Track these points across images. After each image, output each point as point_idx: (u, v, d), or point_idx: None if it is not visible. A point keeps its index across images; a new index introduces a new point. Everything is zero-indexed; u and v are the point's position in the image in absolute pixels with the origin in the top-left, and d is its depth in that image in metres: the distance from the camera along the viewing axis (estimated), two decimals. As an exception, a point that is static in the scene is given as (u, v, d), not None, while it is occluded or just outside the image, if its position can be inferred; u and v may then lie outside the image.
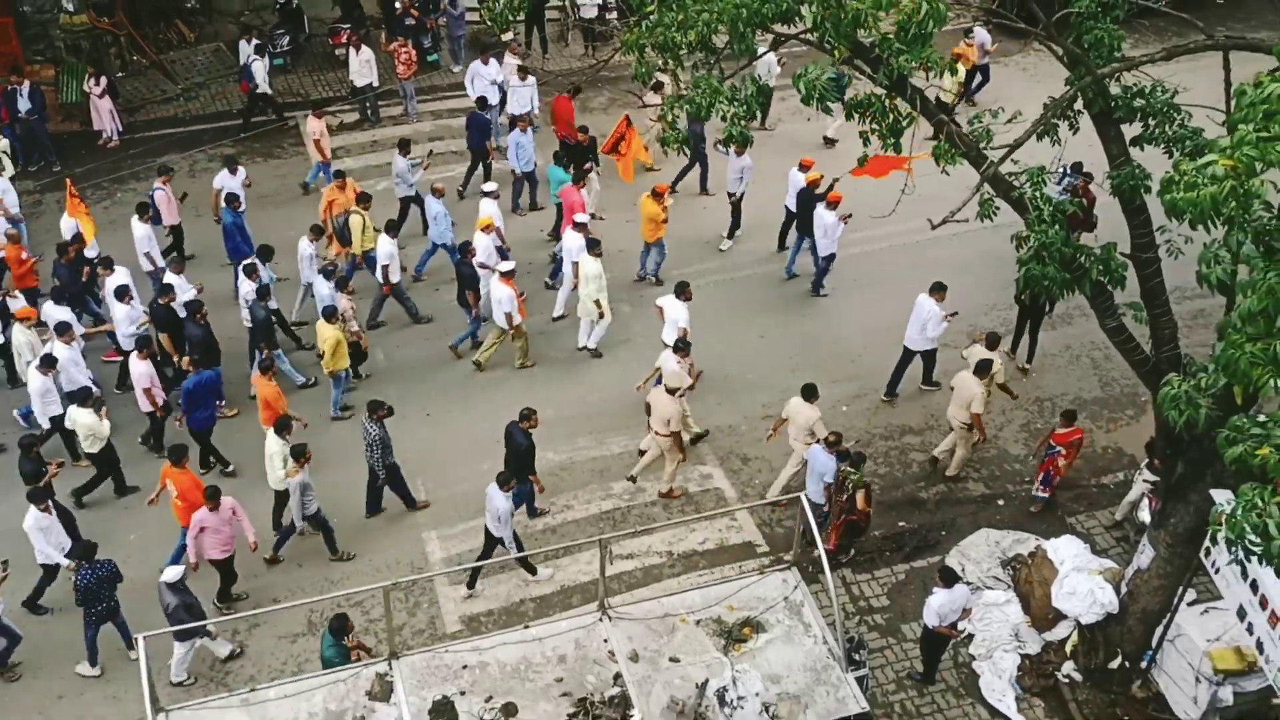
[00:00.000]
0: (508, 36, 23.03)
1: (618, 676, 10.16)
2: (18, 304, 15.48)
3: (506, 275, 15.83)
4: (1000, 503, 14.81)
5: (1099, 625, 12.56)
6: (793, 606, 10.88)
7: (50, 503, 12.74)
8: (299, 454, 13.10)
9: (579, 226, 16.75)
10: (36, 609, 13.11)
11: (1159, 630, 12.20)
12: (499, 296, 15.83)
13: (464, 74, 21.55)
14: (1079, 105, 11.27)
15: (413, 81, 22.05)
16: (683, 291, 15.61)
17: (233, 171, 17.85)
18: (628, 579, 13.69)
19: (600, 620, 10.64)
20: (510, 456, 13.78)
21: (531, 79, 20.72)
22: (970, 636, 12.97)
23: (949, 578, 12.01)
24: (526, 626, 10.89)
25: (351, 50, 21.58)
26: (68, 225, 16.73)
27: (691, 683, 10.13)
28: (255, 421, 14.70)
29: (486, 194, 17.58)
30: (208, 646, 12.68)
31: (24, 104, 19.76)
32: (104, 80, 20.70)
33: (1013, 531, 14.12)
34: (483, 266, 16.48)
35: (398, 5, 23.35)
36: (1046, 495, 14.41)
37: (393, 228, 16.95)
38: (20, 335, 14.95)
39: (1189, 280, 9.87)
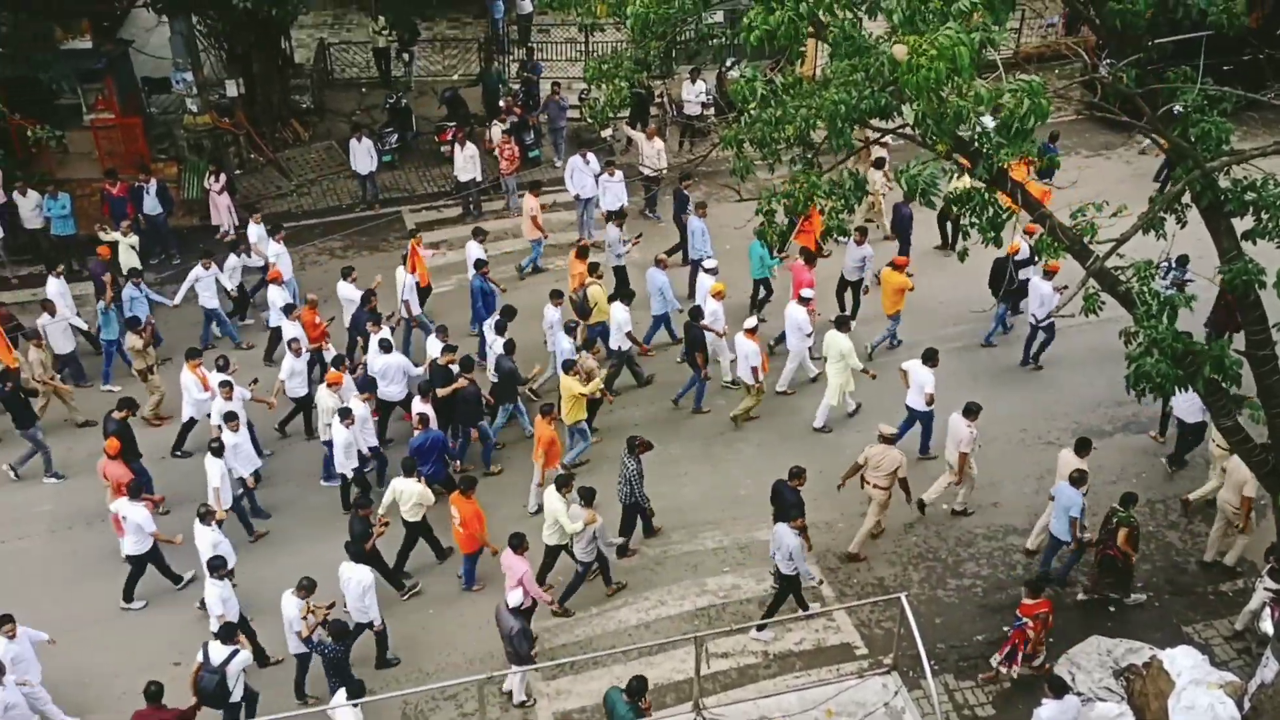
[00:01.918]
0: (607, 133, 23.62)
1: (711, 781, 9.90)
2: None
3: (750, 331, 16.50)
4: (1111, 609, 14.21)
5: (1220, 742, 11.87)
6: (894, 713, 10.53)
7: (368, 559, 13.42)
8: (589, 496, 13.74)
9: (804, 301, 17.28)
10: (385, 662, 13.56)
11: (1287, 749, 11.50)
12: (745, 352, 16.49)
13: (564, 169, 22.08)
14: (1186, 199, 11.04)
15: (514, 176, 22.61)
16: (931, 358, 15.88)
17: (480, 241, 18.86)
18: (723, 679, 13.37)
19: (694, 721, 10.43)
20: (776, 510, 14.09)
21: (619, 174, 21.11)
22: (1081, 750, 12.36)
23: (1059, 687, 11.50)
24: (619, 726, 10.71)
25: (456, 147, 22.25)
26: (404, 279, 17.88)
27: (787, 790, 9.83)
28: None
29: (707, 270, 18.09)
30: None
31: (150, 201, 20.74)
32: (223, 177, 21.65)
33: (1125, 640, 13.48)
34: (708, 329, 17.18)
35: (501, 104, 24.08)
36: (1009, 672, 13.02)
37: (626, 296, 17.70)
38: (328, 399, 15.62)
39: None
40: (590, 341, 16.75)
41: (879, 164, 20.13)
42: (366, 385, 15.84)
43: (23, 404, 16.03)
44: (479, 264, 18.28)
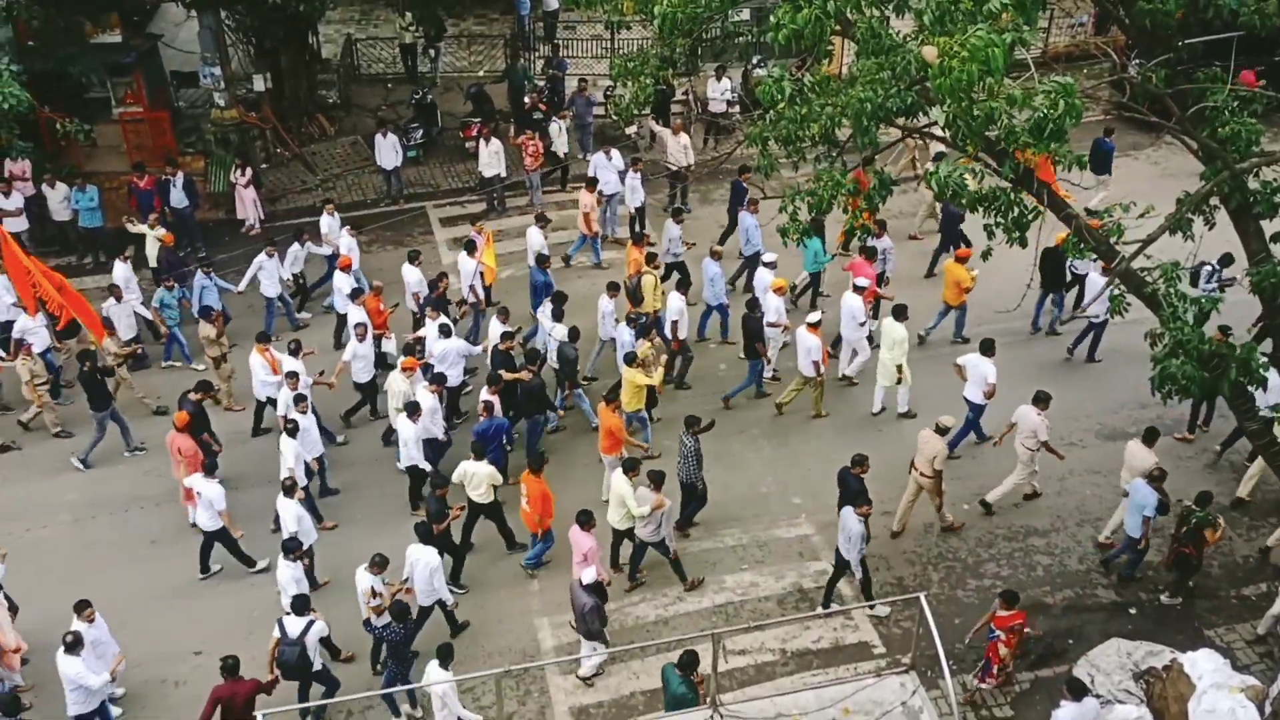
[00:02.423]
0: (631, 130, 23.64)
1: (728, 777, 9.91)
2: (390, 345, 17.48)
3: (813, 326, 16.73)
4: (1132, 611, 14.14)
5: (1242, 747, 11.79)
6: (911, 712, 10.51)
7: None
8: (659, 480, 13.83)
9: (858, 290, 17.43)
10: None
11: (1309, 755, 11.42)
12: (808, 346, 16.67)
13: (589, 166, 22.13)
14: (1214, 200, 10.98)
15: (539, 173, 22.66)
16: (989, 349, 15.95)
17: (542, 228, 19.15)
18: (740, 675, 13.40)
19: (711, 716, 10.42)
20: (842, 496, 14.22)
21: (640, 172, 21.22)
22: (1100, 752, 12.30)
23: (1077, 690, 11.44)
24: (636, 720, 10.75)
25: (481, 143, 22.32)
26: (468, 266, 18.31)
27: (804, 787, 9.83)
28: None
29: (767, 264, 18.21)
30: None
31: (177, 194, 20.90)
32: (249, 171, 21.80)
33: (1146, 643, 13.39)
34: (772, 325, 17.43)
35: (526, 100, 24.15)
36: (985, 687, 12.92)
37: (683, 286, 17.83)
38: (400, 383, 15.84)
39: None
40: (646, 329, 16.91)
41: (939, 159, 20.01)
42: (436, 376, 15.99)
43: (100, 385, 16.31)
44: (540, 257, 18.58)
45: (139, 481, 16.48)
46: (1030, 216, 10.80)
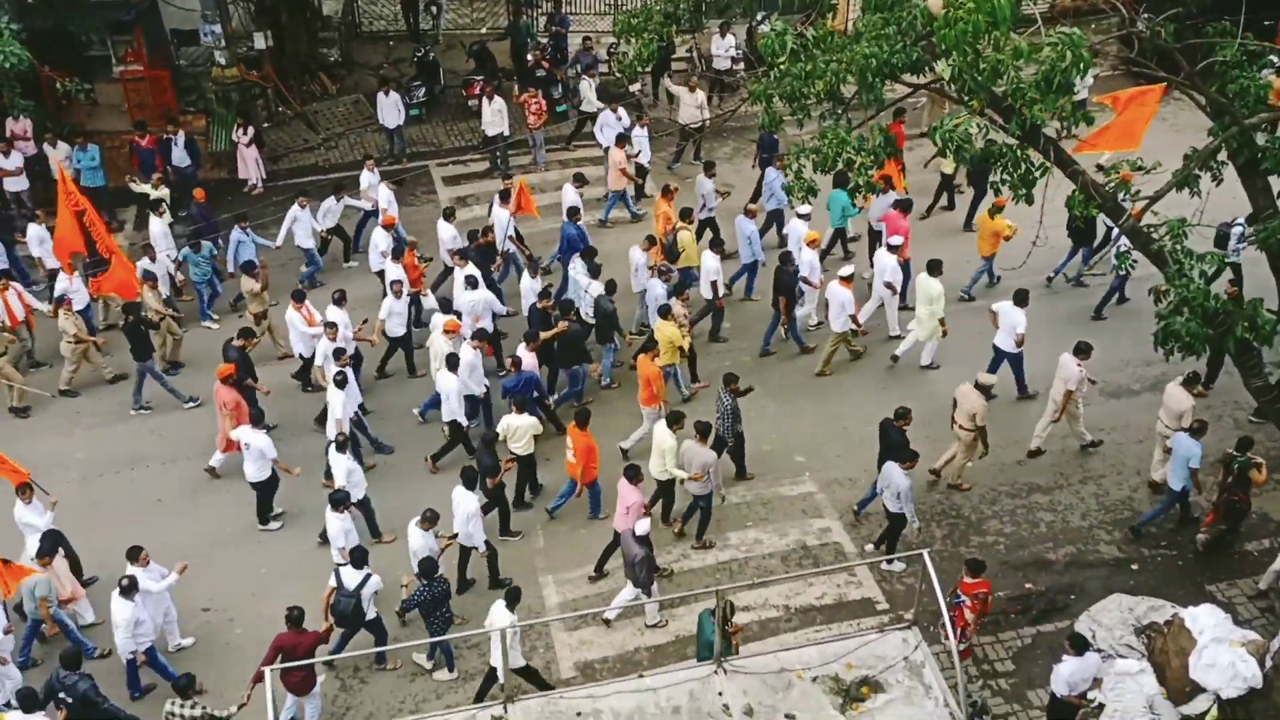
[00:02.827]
0: (635, 87, 23.47)
1: (732, 731, 10.01)
2: (429, 302, 17.66)
3: (846, 279, 16.75)
4: (1134, 567, 14.21)
5: (1241, 700, 11.87)
6: (913, 667, 10.58)
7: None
8: (706, 431, 14.00)
9: (893, 249, 17.42)
10: (499, 584, 13.87)
11: (1308, 709, 11.52)
12: (841, 300, 16.71)
13: (593, 124, 22.10)
14: (1222, 156, 10.91)
15: (542, 131, 22.54)
16: (1022, 299, 15.98)
17: (578, 187, 19.12)
18: (744, 632, 13.50)
19: (715, 673, 10.51)
20: (884, 449, 14.31)
21: (645, 128, 21.25)
22: (1101, 707, 12.38)
23: (1080, 645, 11.53)
24: (641, 676, 10.82)
25: (484, 101, 22.18)
26: (501, 217, 18.31)
27: (807, 741, 9.93)
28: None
29: (801, 216, 18.17)
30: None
31: (178, 153, 20.82)
32: (251, 130, 21.68)
33: (1147, 598, 13.47)
34: (805, 282, 17.47)
35: (529, 58, 23.96)
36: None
37: (716, 245, 17.85)
38: (442, 344, 15.89)
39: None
40: (682, 287, 16.97)
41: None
42: (479, 332, 16.16)
43: (143, 336, 16.55)
44: (572, 210, 18.59)
45: (145, 440, 16.59)
46: (1037, 173, 10.75)
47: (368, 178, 19.96)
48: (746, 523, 14.92)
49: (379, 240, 18.31)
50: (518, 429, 14.63)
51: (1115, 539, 14.60)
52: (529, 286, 17.10)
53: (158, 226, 18.51)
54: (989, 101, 10.46)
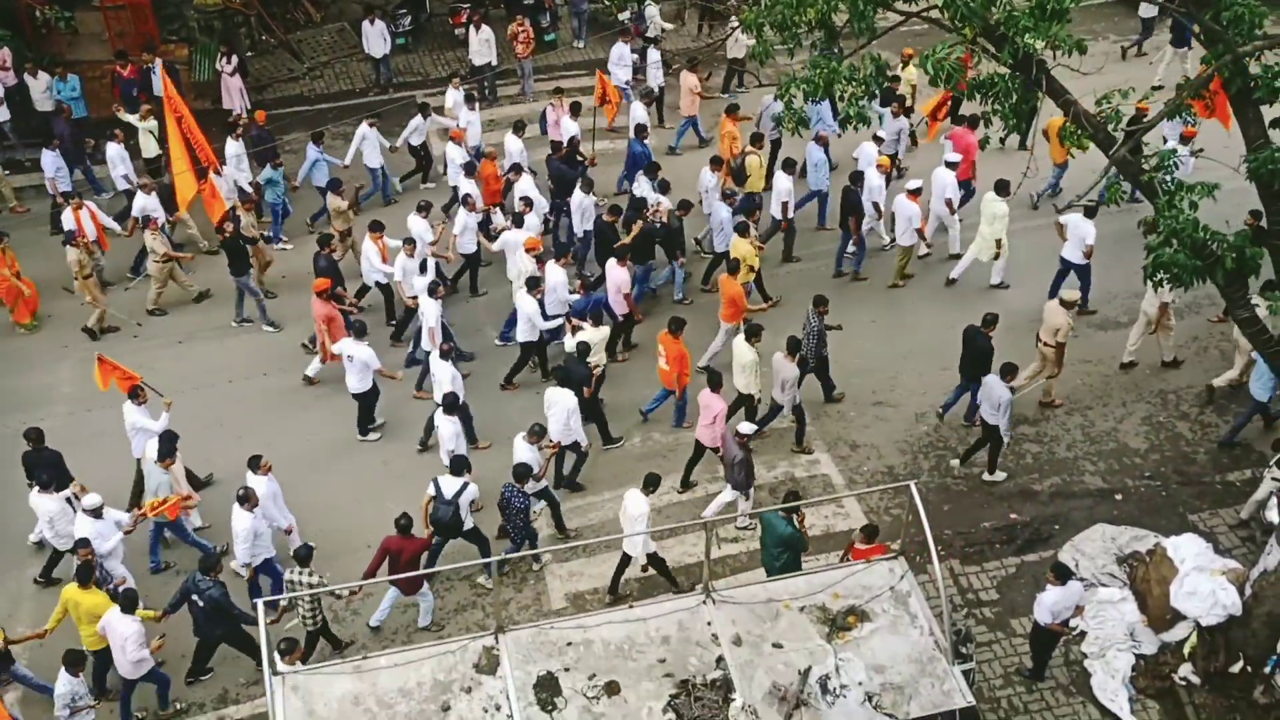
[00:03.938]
0: (624, 16, 23.12)
1: (720, 660, 10.15)
2: (497, 219, 17.56)
3: (913, 193, 16.97)
4: (1118, 497, 14.35)
5: (1220, 628, 12.09)
6: (899, 596, 10.72)
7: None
8: (795, 347, 14.27)
9: (951, 165, 17.59)
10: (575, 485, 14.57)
11: (1286, 635, 11.72)
12: (909, 213, 16.95)
13: (587, 51, 22.44)
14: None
15: (530, 60, 22.24)
16: (1092, 213, 16.00)
17: (648, 105, 19.48)
18: (732, 563, 13.66)
19: (704, 603, 10.64)
20: (969, 357, 14.68)
21: (658, 52, 21.40)
22: (1083, 634, 12.62)
23: (1063, 573, 11.68)
24: (631, 606, 10.95)
25: (472, 29, 21.85)
26: (569, 126, 18.86)
27: (794, 669, 10.07)
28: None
29: (876, 139, 18.33)
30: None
31: (158, 82, 20.47)
32: (235, 59, 21.35)
33: (1130, 528, 13.67)
34: (875, 206, 17.67)
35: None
36: None
37: (787, 166, 17.98)
38: (525, 262, 16.07)
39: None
40: (751, 209, 17.12)
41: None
42: (562, 248, 16.54)
43: (241, 250, 16.76)
44: (640, 128, 18.70)
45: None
46: (1029, 104, 10.65)
47: (453, 95, 19.96)
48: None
49: (454, 155, 18.44)
50: (593, 344, 14.85)
51: (1100, 470, 14.72)
52: (580, 202, 17.23)
53: (232, 147, 18.61)
54: (981, 30, 10.33)
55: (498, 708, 9.82)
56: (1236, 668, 12.09)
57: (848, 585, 10.79)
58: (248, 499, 12.45)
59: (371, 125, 19.07)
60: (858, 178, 17.44)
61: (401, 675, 10.07)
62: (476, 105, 19.80)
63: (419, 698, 9.90)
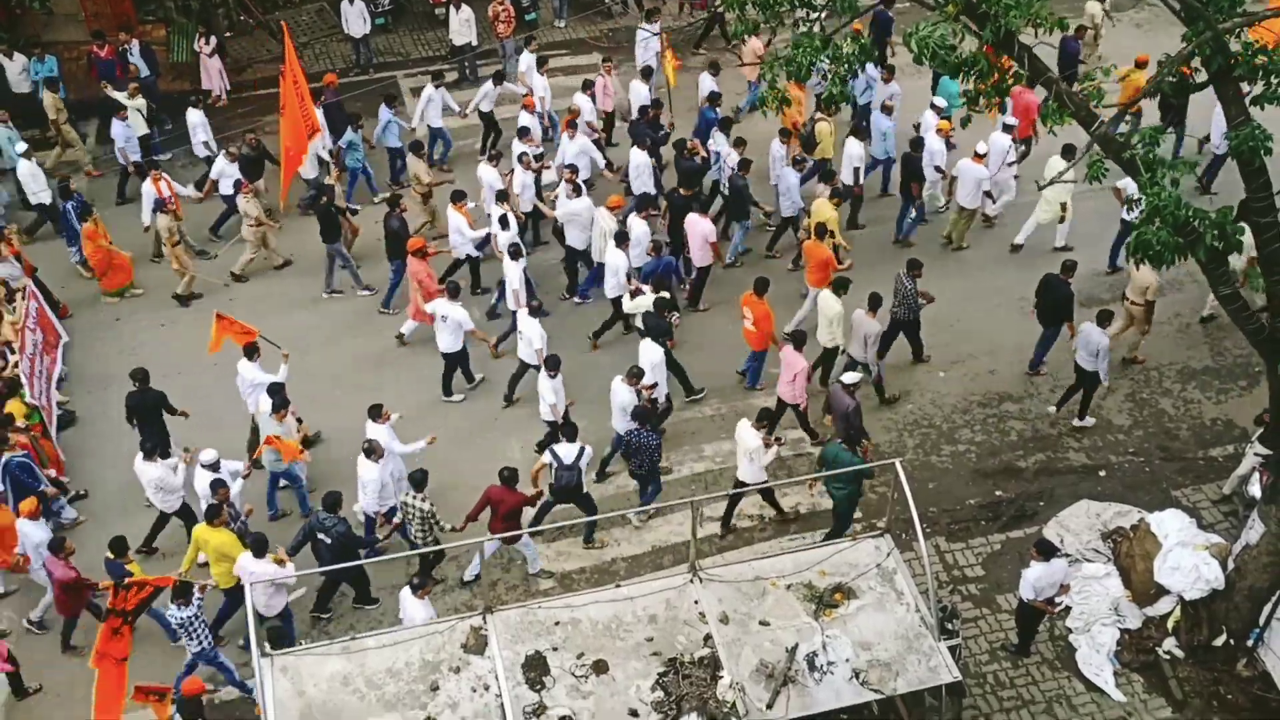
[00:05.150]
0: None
1: (708, 638, 10.21)
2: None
3: (980, 156, 17.01)
4: (1102, 474, 14.45)
5: (1203, 602, 12.22)
6: (885, 573, 10.79)
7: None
8: (876, 304, 14.54)
9: (1008, 129, 17.67)
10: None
11: (1267, 608, 11.83)
12: (977, 175, 17.02)
13: (568, 30, 22.32)
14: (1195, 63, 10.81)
15: (512, 40, 22.10)
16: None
17: (714, 75, 19.43)
18: (719, 542, 13.70)
19: (691, 581, 10.69)
20: (1049, 304, 14.97)
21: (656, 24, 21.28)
22: (1068, 609, 12.71)
23: (1046, 550, 11.75)
24: (618, 585, 11.02)
25: (451, 9, 21.70)
26: (639, 91, 19.10)
27: (781, 646, 10.14)
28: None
29: (934, 107, 18.42)
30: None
31: (139, 64, 20.31)
32: (213, 40, 21.15)
33: (1114, 504, 13.77)
34: (938, 170, 17.85)
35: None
36: None
37: (860, 132, 18.13)
38: (606, 220, 16.30)
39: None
40: (829, 174, 17.26)
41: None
42: (643, 199, 16.67)
43: (333, 217, 16.88)
44: (712, 95, 18.90)
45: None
46: (1010, 82, 10.64)
47: (526, 59, 19.97)
48: (721, 434, 15.00)
49: (525, 120, 18.46)
50: (644, 305, 14.98)
51: (1084, 446, 14.81)
52: (639, 162, 17.43)
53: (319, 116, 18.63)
54: (964, 8, 10.30)
55: (486, 687, 9.87)
56: (1220, 641, 12.23)
57: (834, 563, 10.86)
58: (373, 450, 12.80)
59: (438, 86, 19.24)
60: (918, 144, 17.64)
61: (390, 656, 10.11)
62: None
63: (407, 678, 9.94)
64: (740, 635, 10.26)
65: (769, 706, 9.77)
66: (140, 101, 19.10)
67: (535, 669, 10.01)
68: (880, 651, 10.17)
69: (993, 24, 9.97)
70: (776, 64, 11.22)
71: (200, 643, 11.58)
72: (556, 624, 10.35)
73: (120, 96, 19.06)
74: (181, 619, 11.41)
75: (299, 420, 13.98)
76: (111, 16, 21.82)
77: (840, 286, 14.83)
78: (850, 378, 13.65)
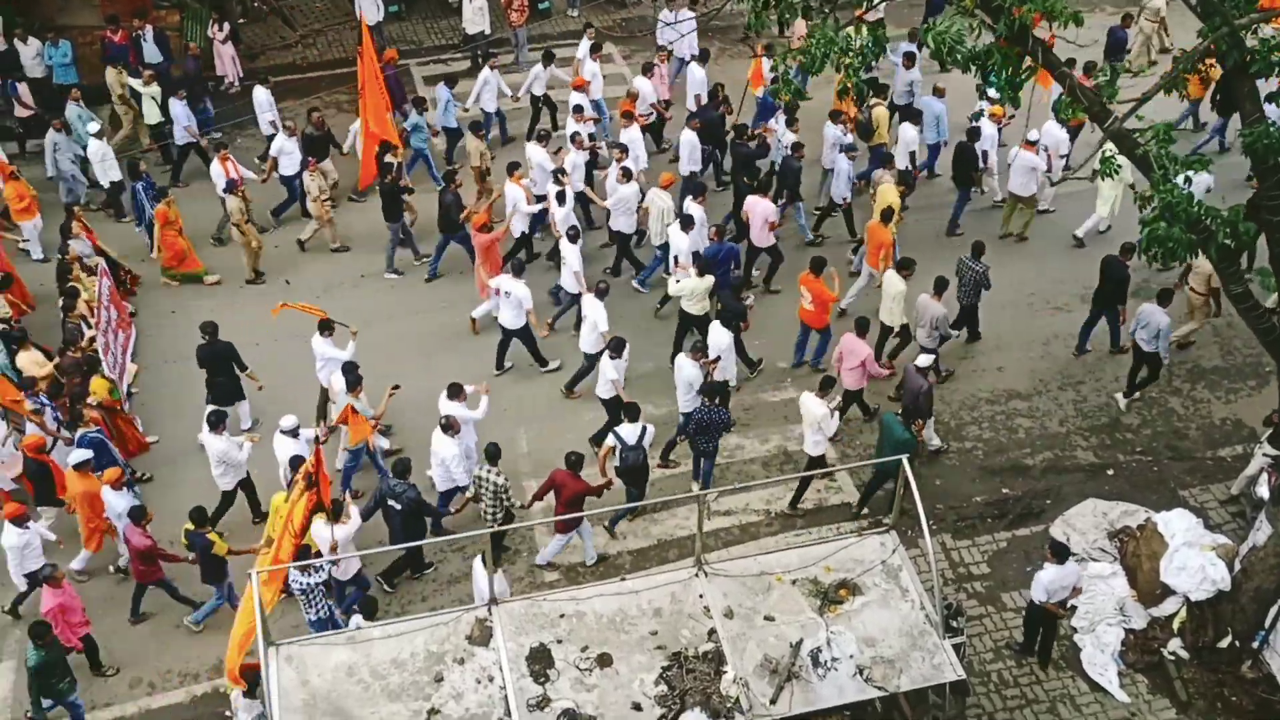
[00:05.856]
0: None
1: (712, 632, 10.19)
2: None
3: (1030, 143, 17.15)
4: (1109, 473, 14.39)
5: (1209, 603, 12.17)
6: (890, 570, 10.76)
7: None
8: (942, 287, 14.71)
9: (1062, 122, 17.59)
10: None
11: (1273, 610, 11.78)
12: (1031, 164, 17.16)
13: (579, 20, 22.18)
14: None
15: (525, 29, 22.06)
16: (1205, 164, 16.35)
17: (770, 57, 19.10)
18: (725, 536, 13.69)
19: (696, 576, 10.67)
20: (1106, 287, 15.23)
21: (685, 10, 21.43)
22: (1073, 608, 12.67)
23: (1061, 553, 11.65)
24: (623, 579, 11.00)
25: (465, -3, 21.65)
26: (697, 75, 19.24)
27: (785, 642, 10.12)
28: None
29: (989, 97, 18.04)
30: None
31: (149, 49, 20.29)
32: (227, 26, 21.15)
33: (1121, 503, 13.72)
34: (984, 154, 17.87)
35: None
36: None
37: (913, 117, 18.38)
38: (660, 200, 16.54)
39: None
40: (888, 158, 17.42)
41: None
42: (698, 187, 16.71)
43: (396, 196, 17.16)
44: (785, 82, 18.84)
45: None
46: (1024, 75, 10.59)
47: (585, 45, 19.96)
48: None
49: (577, 100, 18.53)
50: (693, 290, 15.06)
51: (1092, 445, 14.75)
52: (690, 141, 17.53)
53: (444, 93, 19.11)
54: (979, 1, 10.25)
55: (490, 679, 9.87)
56: (1225, 642, 12.18)
57: (839, 559, 10.83)
58: (450, 426, 12.97)
59: (493, 69, 19.41)
60: (974, 133, 17.66)
61: (395, 646, 10.11)
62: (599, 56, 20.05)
63: (412, 669, 9.94)
64: (745, 630, 10.24)
65: (772, 702, 9.75)
66: (155, 89, 19.07)
67: (539, 661, 10.00)
68: (884, 648, 10.15)
69: (1006, 17, 9.92)
70: (790, 55, 11.18)
71: (318, 612, 11.67)
72: (561, 617, 10.33)
73: (136, 83, 19.06)
74: (305, 585, 11.52)
75: (395, 386, 13.90)
76: (126, 2, 21.79)
77: (904, 266, 14.98)
78: (925, 360, 13.85)
